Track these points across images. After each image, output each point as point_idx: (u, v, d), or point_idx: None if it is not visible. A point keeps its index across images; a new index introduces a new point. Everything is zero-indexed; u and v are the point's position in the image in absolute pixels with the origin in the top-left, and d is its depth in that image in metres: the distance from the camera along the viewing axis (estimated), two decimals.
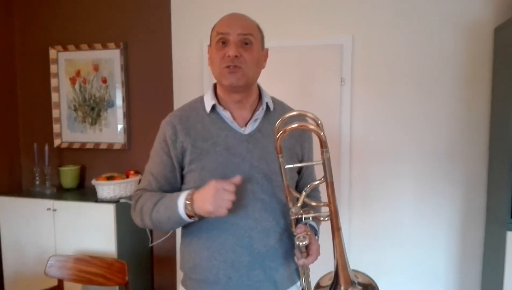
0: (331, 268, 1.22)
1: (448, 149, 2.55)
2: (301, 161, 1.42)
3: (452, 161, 2.55)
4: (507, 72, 2.18)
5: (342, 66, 2.63)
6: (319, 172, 1.49)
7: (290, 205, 1.22)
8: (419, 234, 2.63)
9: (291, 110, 1.43)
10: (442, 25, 2.50)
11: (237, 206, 1.26)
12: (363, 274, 1.25)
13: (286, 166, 1.19)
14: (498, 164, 2.31)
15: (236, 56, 1.24)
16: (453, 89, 2.51)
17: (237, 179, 1.18)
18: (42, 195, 2.90)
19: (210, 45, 1.33)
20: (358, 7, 2.60)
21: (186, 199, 1.20)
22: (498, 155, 2.31)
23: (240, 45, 1.26)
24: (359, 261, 2.65)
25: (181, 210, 1.21)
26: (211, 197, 1.14)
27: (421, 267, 2.64)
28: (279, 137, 1.12)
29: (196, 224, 1.30)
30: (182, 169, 1.34)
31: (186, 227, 1.36)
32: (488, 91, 2.46)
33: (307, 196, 1.23)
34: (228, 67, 1.25)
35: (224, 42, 1.26)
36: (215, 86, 1.39)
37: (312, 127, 1.10)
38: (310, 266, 1.32)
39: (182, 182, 1.36)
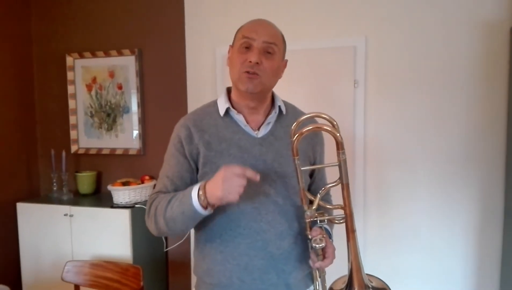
0: (343, 271, 1.21)
1: (464, 151, 2.51)
2: (313, 164, 1.42)
3: (468, 163, 2.50)
4: None
5: (356, 68, 2.61)
6: (330, 175, 1.49)
7: (305, 207, 1.22)
8: (435, 238, 2.58)
9: (303, 113, 1.43)
10: (457, 25, 2.46)
11: (250, 208, 1.27)
12: (377, 278, 1.24)
13: (302, 168, 1.19)
14: None
15: (257, 63, 1.24)
16: (469, 89, 2.47)
17: (254, 173, 1.15)
18: (59, 201, 2.94)
19: (232, 46, 1.34)
20: (371, 8, 2.58)
21: (199, 189, 1.17)
22: None
23: (262, 53, 1.26)
24: (374, 266, 2.63)
25: (195, 201, 1.17)
26: (221, 183, 1.12)
27: (438, 272, 2.60)
28: (295, 139, 1.12)
29: (209, 227, 1.30)
30: (196, 171, 1.35)
31: (199, 231, 1.37)
32: (505, 92, 2.42)
33: (321, 199, 1.22)
34: (248, 72, 1.25)
35: (248, 47, 1.26)
36: (228, 90, 1.40)
37: (328, 128, 1.10)
38: None
39: None
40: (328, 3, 2.66)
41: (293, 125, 1.14)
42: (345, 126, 2.64)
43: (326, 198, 1.51)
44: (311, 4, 2.69)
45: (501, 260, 2.48)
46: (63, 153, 3.07)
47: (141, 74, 3.09)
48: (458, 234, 2.55)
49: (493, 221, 2.49)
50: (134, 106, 3.10)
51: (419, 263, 2.62)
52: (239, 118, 1.33)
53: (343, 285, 1.18)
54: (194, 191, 1.18)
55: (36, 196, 3.35)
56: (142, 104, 3.11)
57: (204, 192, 1.16)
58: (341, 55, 2.64)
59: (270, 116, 1.36)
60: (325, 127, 1.10)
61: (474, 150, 2.49)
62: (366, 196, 2.68)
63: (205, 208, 1.17)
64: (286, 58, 1.39)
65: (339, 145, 1.11)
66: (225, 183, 1.11)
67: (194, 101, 2.96)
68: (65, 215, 2.78)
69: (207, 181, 1.18)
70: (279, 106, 1.38)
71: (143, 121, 3.12)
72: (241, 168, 1.13)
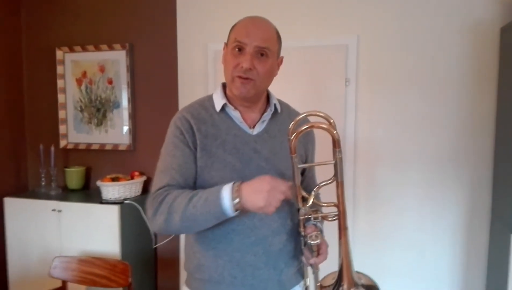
0: (333, 268, 1.22)
1: (453, 151, 2.53)
2: (304, 162, 1.42)
3: (457, 163, 2.53)
4: None
5: (347, 66, 2.62)
6: (320, 174, 1.50)
7: (300, 205, 1.22)
8: (423, 237, 2.60)
9: (297, 112, 1.45)
10: (448, 25, 2.48)
11: None
12: (367, 276, 1.25)
13: (299, 166, 1.20)
14: (503, 165, 2.28)
15: (250, 68, 1.23)
16: (459, 89, 2.50)
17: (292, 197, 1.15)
18: (48, 196, 2.91)
19: (227, 44, 1.32)
20: (363, 7, 2.59)
21: (233, 191, 1.12)
22: (504, 157, 2.29)
23: (255, 56, 1.24)
24: (362, 264, 2.63)
25: (227, 202, 1.12)
26: (266, 193, 1.09)
27: (425, 270, 2.62)
28: (293, 137, 1.13)
29: None
30: None
31: None
32: (494, 92, 2.44)
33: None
34: (240, 77, 1.24)
35: (240, 50, 1.25)
36: (223, 85, 1.39)
37: (325, 126, 1.11)
38: None
39: None
40: (320, 2, 2.66)
41: (291, 124, 1.15)
42: (336, 124, 2.64)
43: (316, 195, 1.51)
44: (303, 3, 2.69)
45: (487, 258, 2.52)
46: (52, 148, 3.04)
47: (132, 69, 3.07)
48: (446, 233, 2.57)
49: (480, 220, 2.52)
50: (125, 101, 3.08)
51: (407, 261, 2.64)
52: (235, 114, 1.33)
53: (333, 281, 1.19)
54: (226, 191, 1.13)
55: (24, 191, 3.31)
56: (132, 99, 3.09)
57: (239, 196, 1.12)
58: (332, 54, 2.65)
59: (265, 114, 1.35)
60: (322, 125, 1.11)
61: (463, 150, 2.52)
62: (355, 194, 2.69)
63: (235, 210, 1.14)
64: (282, 56, 1.38)
65: (336, 143, 1.12)
66: (270, 196, 1.10)
67: (185, 97, 2.95)
68: (53, 210, 2.75)
69: (241, 184, 1.14)
70: (275, 104, 1.38)
71: (133, 116, 3.10)
72: (287, 186, 1.13)
